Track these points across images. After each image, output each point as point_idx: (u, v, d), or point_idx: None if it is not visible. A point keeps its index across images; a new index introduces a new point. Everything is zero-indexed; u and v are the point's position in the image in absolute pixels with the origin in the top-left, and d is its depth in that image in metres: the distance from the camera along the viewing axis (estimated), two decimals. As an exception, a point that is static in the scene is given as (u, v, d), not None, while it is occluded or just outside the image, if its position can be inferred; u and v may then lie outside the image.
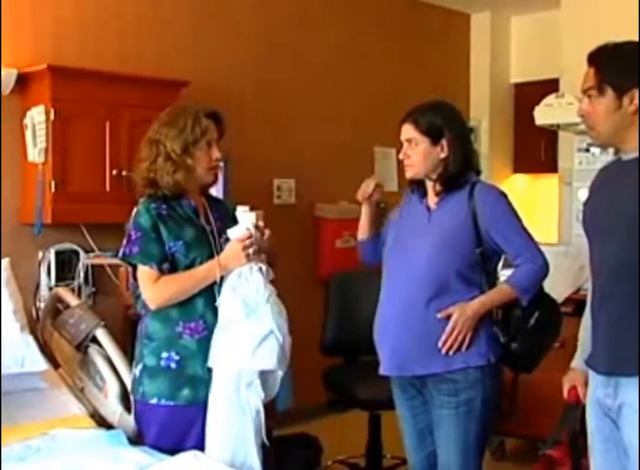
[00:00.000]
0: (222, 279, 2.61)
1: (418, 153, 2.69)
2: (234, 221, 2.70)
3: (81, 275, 4.23)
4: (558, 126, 5.20)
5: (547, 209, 6.04)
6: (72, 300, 3.55)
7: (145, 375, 2.65)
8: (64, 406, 2.97)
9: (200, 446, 2.58)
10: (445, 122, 2.70)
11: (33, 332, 3.48)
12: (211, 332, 2.62)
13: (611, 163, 2.45)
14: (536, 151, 6.35)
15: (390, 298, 2.69)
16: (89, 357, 3.10)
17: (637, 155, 2.25)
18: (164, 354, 2.62)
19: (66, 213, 4.07)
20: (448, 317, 2.58)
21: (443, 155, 2.68)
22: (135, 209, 2.70)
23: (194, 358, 2.62)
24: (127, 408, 2.83)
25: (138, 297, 2.72)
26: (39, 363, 3.22)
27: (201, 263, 2.63)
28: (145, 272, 2.63)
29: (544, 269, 2.66)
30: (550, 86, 5.34)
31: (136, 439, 2.68)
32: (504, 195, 2.73)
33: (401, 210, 2.87)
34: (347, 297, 3.88)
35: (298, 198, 5.49)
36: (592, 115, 2.29)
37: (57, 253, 4.20)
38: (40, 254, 4.18)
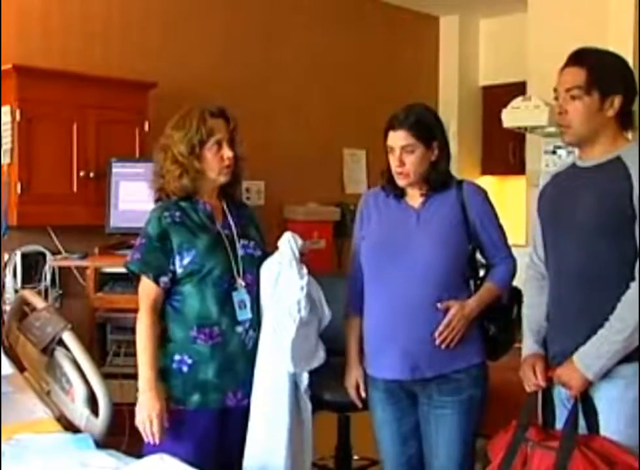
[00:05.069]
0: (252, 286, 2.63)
1: (414, 159, 2.64)
2: (256, 228, 2.75)
3: (48, 277, 4.20)
4: (526, 128, 5.25)
5: (515, 210, 6.09)
6: (39, 303, 3.51)
7: None
8: (30, 410, 2.93)
9: (212, 453, 2.57)
10: (434, 124, 2.69)
11: (-2, 335, 3.44)
12: (225, 338, 2.59)
13: (564, 170, 2.53)
14: (504, 153, 6.41)
15: (391, 302, 2.65)
16: (55, 360, 3.07)
17: (596, 161, 2.35)
18: (177, 357, 2.59)
19: (33, 215, 4.04)
20: (447, 310, 2.60)
21: (433, 158, 2.67)
22: (148, 216, 2.63)
23: (207, 364, 2.58)
24: (94, 411, 2.80)
25: None
26: (4, 366, 3.18)
27: (218, 275, 2.58)
28: (144, 283, 2.59)
29: (516, 268, 2.76)
30: (518, 89, 5.39)
31: (103, 443, 2.66)
32: (487, 194, 2.79)
33: (368, 214, 2.81)
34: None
35: (267, 200, 5.49)
36: (571, 114, 2.35)
37: (23, 255, 4.17)
38: (6, 256, 4.13)
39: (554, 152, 5.28)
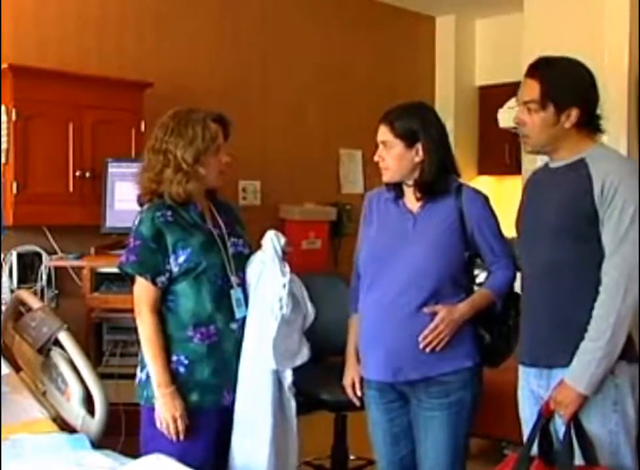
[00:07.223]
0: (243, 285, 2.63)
1: (392, 156, 2.63)
2: (241, 226, 2.75)
3: (44, 277, 4.19)
4: (522, 128, 5.25)
5: (511, 210, 6.09)
6: (34, 303, 3.50)
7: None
8: (25, 410, 2.93)
9: (207, 453, 2.57)
10: (421, 126, 2.63)
11: (-6, 335, 3.44)
12: (221, 337, 2.59)
13: (539, 169, 2.57)
14: (500, 153, 6.41)
15: (380, 304, 2.64)
16: (51, 360, 3.07)
17: (564, 163, 2.38)
18: (174, 358, 2.57)
19: (29, 215, 4.04)
20: (434, 314, 2.57)
21: (417, 159, 2.63)
22: (138, 217, 2.61)
23: (203, 363, 2.58)
24: (90, 411, 2.80)
25: None
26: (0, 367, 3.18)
27: (214, 273, 2.58)
28: (141, 284, 2.58)
29: (515, 276, 2.72)
30: (514, 89, 5.33)
31: (98, 443, 2.66)
32: (488, 199, 2.74)
33: (370, 215, 2.80)
34: (310, 298, 3.85)
35: (264, 200, 5.49)
36: (529, 126, 2.40)
37: (19, 255, 4.16)
38: (2, 256, 4.12)
39: (550, 152, 5.29)
